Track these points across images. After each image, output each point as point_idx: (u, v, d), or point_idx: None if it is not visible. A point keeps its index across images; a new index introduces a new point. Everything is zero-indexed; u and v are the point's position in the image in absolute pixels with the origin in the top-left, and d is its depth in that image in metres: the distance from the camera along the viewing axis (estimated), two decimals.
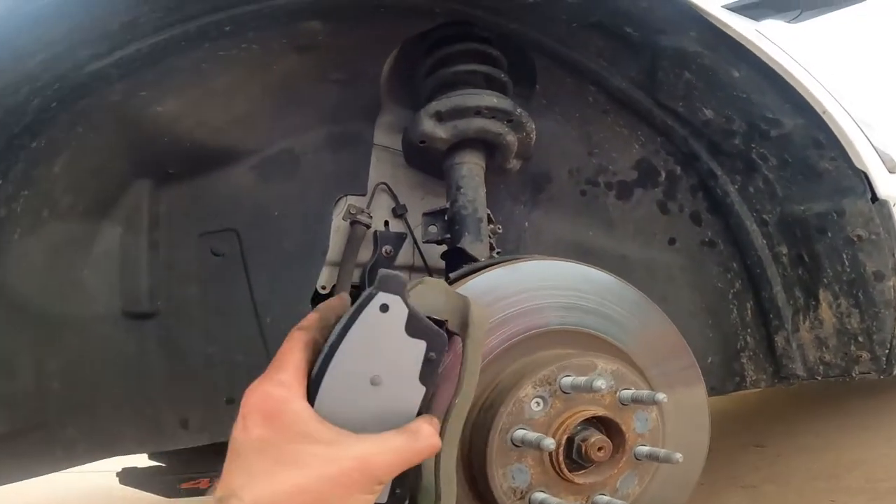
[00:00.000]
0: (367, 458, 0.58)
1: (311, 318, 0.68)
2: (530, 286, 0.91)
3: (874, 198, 1.20)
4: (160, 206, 1.14)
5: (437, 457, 0.72)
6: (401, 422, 0.65)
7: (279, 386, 0.59)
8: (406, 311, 0.64)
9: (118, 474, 1.52)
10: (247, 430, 0.57)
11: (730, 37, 1.08)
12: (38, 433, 1.05)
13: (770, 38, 1.11)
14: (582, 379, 0.84)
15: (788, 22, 1.08)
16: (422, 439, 0.63)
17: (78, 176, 1.02)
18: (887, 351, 1.26)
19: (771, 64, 1.11)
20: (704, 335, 1.46)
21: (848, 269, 1.28)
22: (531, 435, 0.81)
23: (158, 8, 0.88)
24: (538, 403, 0.86)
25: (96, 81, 0.93)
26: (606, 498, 0.88)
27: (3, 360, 1.00)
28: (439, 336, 0.67)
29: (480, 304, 0.78)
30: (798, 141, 1.20)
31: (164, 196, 1.14)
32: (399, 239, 1.32)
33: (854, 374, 1.32)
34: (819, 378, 1.38)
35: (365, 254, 1.29)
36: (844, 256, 1.27)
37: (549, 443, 0.79)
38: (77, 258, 1.07)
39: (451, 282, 0.90)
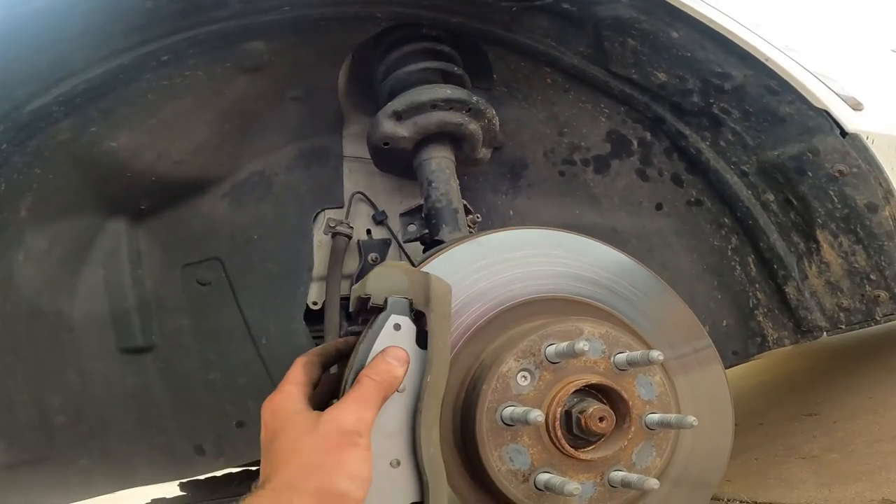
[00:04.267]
0: (337, 417, 0.64)
1: (312, 350, 0.78)
2: (500, 257, 0.81)
3: (843, 133, 1.14)
4: (139, 243, 1.09)
5: (417, 443, 0.68)
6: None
7: (280, 392, 0.69)
8: (414, 328, 0.71)
9: None
10: (263, 431, 0.68)
11: None
12: (47, 464, 1.00)
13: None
14: (564, 345, 0.74)
15: None
16: (377, 371, 0.67)
17: (47, 218, 0.97)
18: None
19: (703, 20, 1.06)
20: (713, 297, 1.36)
21: (839, 206, 1.19)
22: (519, 410, 0.71)
23: (83, 45, 0.83)
24: (525, 377, 0.76)
25: (40, 120, 0.88)
26: (622, 473, 0.77)
27: (1, 396, 0.96)
28: None
29: (441, 278, 0.71)
30: (753, 91, 1.14)
31: (142, 233, 1.09)
32: (384, 245, 1.24)
33: (878, 318, 1.21)
34: (843, 327, 1.27)
35: (352, 264, 1.22)
36: (831, 193, 1.19)
37: (537, 415, 0.69)
38: (63, 301, 1.03)
39: (416, 265, 0.82)
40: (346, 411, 0.64)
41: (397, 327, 0.70)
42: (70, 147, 0.95)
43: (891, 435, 1.54)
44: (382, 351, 0.69)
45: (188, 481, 1.42)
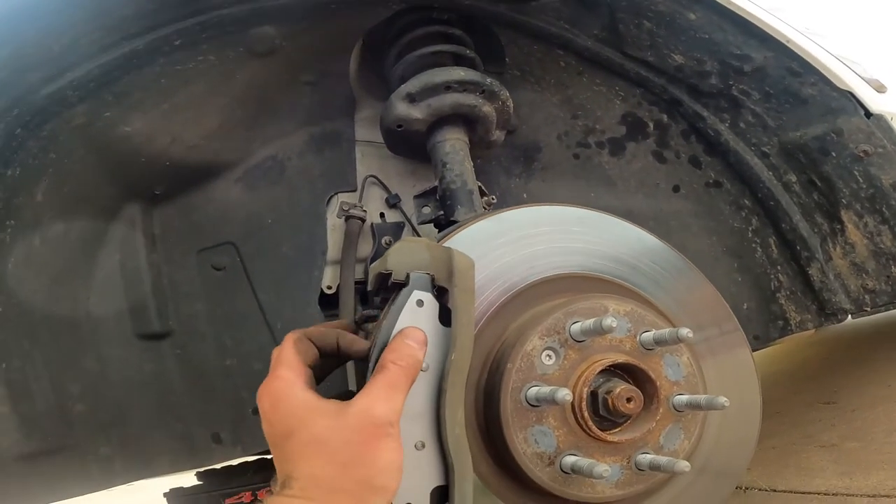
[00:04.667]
0: (368, 409, 0.59)
1: (309, 329, 0.73)
2: (521, 234, 0.78)
3: (868, 113, 1.11)
4: (154, 228, 1.07)
5: (442, 423, 0.64)
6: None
7: (277, 380, 0.63)
8: (437, 305, 0.67)
9: (165, 495, 1.44)
10: (269, 425, 0.61)
11: None
12: (67, 453, 0.98)
13: None
14: (591, 322, 0.71)
15: None
16: (401, 356, 0.63)
17: (63, 203, 0.96)
18: None
19: (721, 1, 1.04)
20: (733, 280, 1.33)
21: (864, 186, 1.16)
22: (544, 389, 0.68)
23: (96, 28, 0.82)
24: (549, 356, 0.72)
25: (55, 105, 0.87)
26: (650, 456, 0.73)
27: (18, 383, 0.94)
28: None
29: (463, 253, 0.68)
30: (773, 72, 1.12)
31: (156, 217, 1.08)
32: (397, 227, 1.22)
33: None
34: (868, 309, 1.23)
35: (366, 248, 1.19)
36: (856, 174, 1.15)
37: (565, 394, 0.65)
38: (79, 286, 1.01)
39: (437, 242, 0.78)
40: (377, 401, 0.60)
41: (420, 303, 0.66)
42: (85, 131, 0.93)
43: None
44: (400, 332, 0.64)
45: (204, 471, 1.40)
